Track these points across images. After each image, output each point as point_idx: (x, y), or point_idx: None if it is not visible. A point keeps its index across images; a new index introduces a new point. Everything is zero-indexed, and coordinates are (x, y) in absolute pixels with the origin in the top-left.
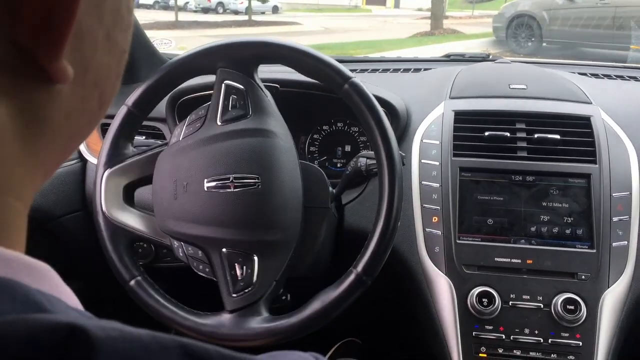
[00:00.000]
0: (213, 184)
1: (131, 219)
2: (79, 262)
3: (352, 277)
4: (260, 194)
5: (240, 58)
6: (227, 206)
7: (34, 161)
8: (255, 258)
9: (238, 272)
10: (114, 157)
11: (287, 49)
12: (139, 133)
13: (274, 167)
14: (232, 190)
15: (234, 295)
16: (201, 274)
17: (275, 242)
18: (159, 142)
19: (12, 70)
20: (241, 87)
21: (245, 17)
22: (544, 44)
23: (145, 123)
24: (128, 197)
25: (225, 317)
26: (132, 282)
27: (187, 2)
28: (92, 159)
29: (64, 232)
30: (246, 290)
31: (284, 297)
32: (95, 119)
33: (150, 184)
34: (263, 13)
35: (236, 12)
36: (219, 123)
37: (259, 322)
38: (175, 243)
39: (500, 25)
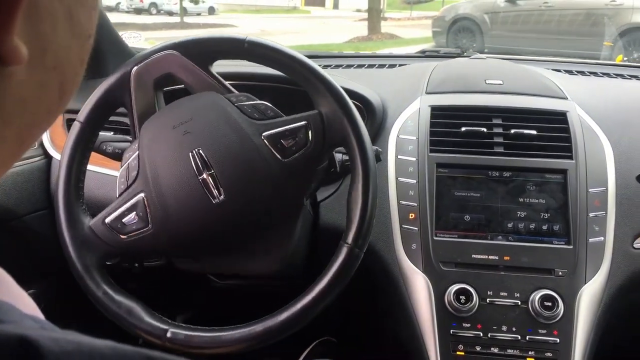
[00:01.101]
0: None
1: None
2: (44, 262)
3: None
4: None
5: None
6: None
7: None
8: (150, 228)
9: (130, 217)
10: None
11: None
12: (105, 129)
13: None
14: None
15: (106, 224)
16: (118, 180)
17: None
18: (129, 137)
19: None
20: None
21: (179, 19)
22: (486, 50)
23: (113, 118)
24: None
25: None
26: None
27: (119, 3)
28: (57, 156)
29: (28, 231)
30: (114, 233)
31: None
32: (55, 109)
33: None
34: (199, 14)
35: (170, 14)
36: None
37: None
38: (133, 148)
39: (440, 30)
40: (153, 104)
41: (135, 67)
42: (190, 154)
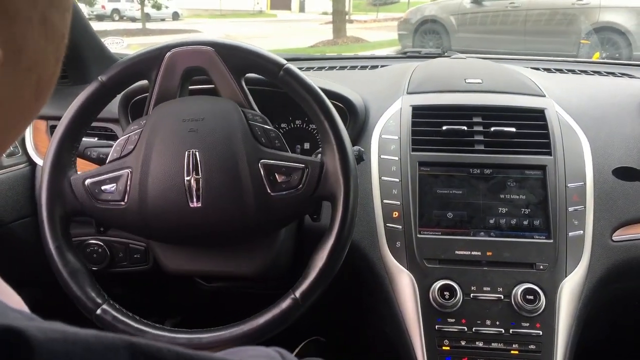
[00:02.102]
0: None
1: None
2: (29, 270)
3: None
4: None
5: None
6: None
7: None
8: (124, 204)
9: (109, 186)
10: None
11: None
12: (89, 134)
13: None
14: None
15: (85, 184)
16: (114, 148)
17: None
18: (111, 142)
19: None
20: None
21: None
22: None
23: (96, 124)
24: None
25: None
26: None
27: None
28: (41, 162)
29: (13, 238)
30: (89, 195)
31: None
32: (31, 111)
33: None
34: (163, 20)
35: (134, 20)
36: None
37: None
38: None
39: (406, 32)
40: (175, 91)
41: (172, 51)
42: (187, 152)
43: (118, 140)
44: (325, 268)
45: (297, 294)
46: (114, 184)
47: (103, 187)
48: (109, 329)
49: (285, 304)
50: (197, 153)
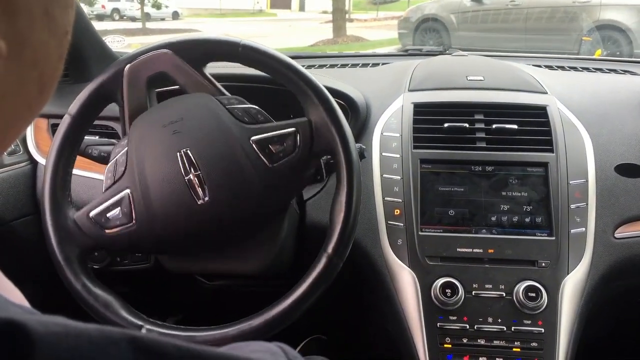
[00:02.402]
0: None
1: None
2: (31, 268)
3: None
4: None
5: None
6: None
7: None
8: (134, 224)
9: (114, 212)
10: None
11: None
12: (91, 133)
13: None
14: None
15: (90, 218)
16: (105, 175)
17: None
18: (114, 141)
19: None
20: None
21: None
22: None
23: (98, 122)
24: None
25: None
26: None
27: None
28: (43, 161)
29: (15, 237)
30: (98, 227)
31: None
32: (35, 105)
33: None
34: (163, 19)
35: (134, 19)
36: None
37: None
38: (122, 144)
39: (406, 31)
40: (145, 102)
41: (129, 64)
42: (178, 153)
43: (107, 167)
44: (347, 216)
45: (330, 250)
46: (118, 208)
47: (108, 215)
48: None
49: (321, 264)
50: (188, 151)
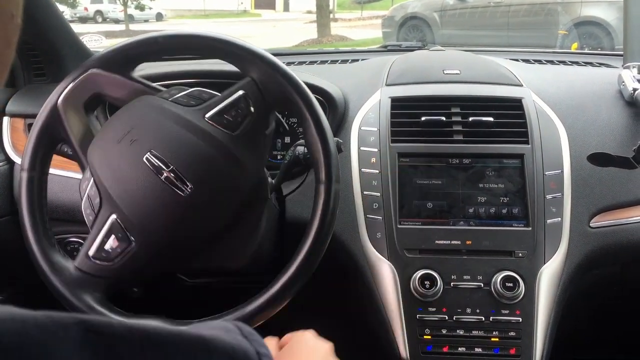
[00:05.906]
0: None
1: None
2: (10, 267)
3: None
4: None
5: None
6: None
7: None
8: (133, 244)
9: (110, 242)
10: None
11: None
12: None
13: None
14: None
15: (91, 258)
16: (84, 212)
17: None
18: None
19: None
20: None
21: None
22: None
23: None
24: None
25: None
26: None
27: (62, 12)
28: (19, 160)
29: None
30: (103, 263)
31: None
32: None
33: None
34: (146, 21)
35: (117, 21)
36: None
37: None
38: (86, 177)
39: (390, 30)
40: (89, 129)
41: (60, 98)
42: (144, 159)
43: (83, 205)
44: (325, 144)
45: (324, 178)
46: (112, 237)
47: (106, 247)
48: None
49: (323, 194)
50: (153, 153)
